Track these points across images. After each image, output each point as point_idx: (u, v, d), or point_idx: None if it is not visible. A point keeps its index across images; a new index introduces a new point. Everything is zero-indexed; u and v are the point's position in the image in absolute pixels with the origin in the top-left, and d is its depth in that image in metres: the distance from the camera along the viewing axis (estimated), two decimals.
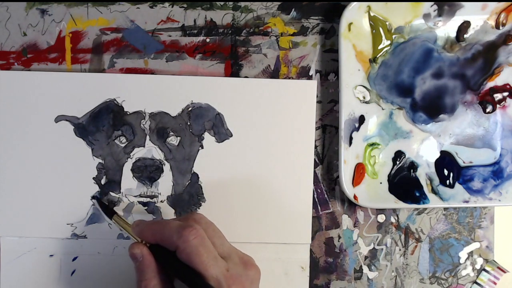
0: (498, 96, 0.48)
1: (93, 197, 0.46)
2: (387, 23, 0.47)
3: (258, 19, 0.48)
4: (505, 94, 0.48)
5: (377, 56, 0.47)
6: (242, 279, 0.36)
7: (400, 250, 0.49)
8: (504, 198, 0.48)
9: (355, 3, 0.45)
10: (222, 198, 0.47)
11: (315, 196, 0.48)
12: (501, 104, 0.48)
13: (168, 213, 0.47)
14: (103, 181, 0.46)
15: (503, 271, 0.49)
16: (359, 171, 0.47)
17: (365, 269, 0.49)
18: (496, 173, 0.48)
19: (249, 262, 0.39)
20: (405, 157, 0.48)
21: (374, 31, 0.47)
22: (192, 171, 0.47)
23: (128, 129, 0.47)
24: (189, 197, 0.47)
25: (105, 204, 0.46)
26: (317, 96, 0.48)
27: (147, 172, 0.46)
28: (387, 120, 0.48)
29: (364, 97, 0.47)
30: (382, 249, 0.49)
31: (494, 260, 0.49)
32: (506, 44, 0.47)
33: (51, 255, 0.47)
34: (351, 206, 0.49)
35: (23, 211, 0.46)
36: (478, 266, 0.49)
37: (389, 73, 0.47)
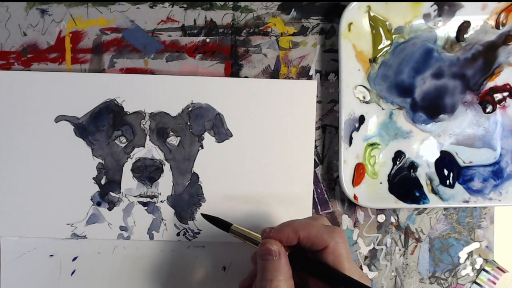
0: (498, 96, 0.48)
1: (203, 215, 0.44)
2: (387, 23, 0.47)
3: (258, 19, 0.48)
4: (505, 94, 0.48)
5: (377, 56, 0.47)
6: None
7: (400, 250, 0.49)
8: (504, 198, 0.48)
9: (355, 3, 0.45)
10: (222, 198, 0.47)
11: (315, 196, 0.48)
12: (501, 104, 0.48)
13: (168, 213, 0.47)
14: (103, 181, 0.47)
15: (503, 271, 0.49)
16: (359, 171, 0.47)
17: (365, 269, 0.49)
18: (496, 173, 0.48)
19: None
20: (405, 157, 0.48)
21: (374, 31, 0.47)
22: (192, 171, 0.47)
23: (128, 129, 0.47)
24: (189, 197, 0.47)
25: (216, 218, 0.43)
26: (317, 96, 0.48)
27: (147, 172, 0.46)
28: (387, 120, 0.48)
29: (364, 97, 0.47)
30: (382, 249, 0.49)
31: (493, 260, 0.49)
32: (506, 44, 0.47)
33: (51, 255, 0.47)
34: (351, 206, 0.49)
35: (23, 211, 0.46)
36: (477, 266, 0.50)
37: (389, 73, 0.47)
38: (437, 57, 0.47)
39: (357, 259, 0.49)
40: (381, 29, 0.47)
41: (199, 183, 0.47)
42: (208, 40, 0.48)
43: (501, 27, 0.47)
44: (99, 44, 0.47)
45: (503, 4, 0.46)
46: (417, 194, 0.47)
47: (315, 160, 0.48)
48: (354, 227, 0.49)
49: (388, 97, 0.48)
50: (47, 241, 0.47)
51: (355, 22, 0.46)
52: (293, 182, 0.47)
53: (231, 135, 0.47)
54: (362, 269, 0.49)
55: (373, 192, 0.47)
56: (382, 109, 0.48)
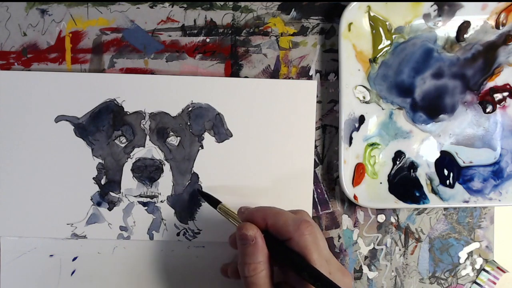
0: (498, 96, 0.48)
1: (197, 190, 0.46)
2: (387, 23, 0.47)
3: (258, 19, 0.48)
4: (505, 94, 0.48)
5: (377, 56, 0.47)
6: (341, 284, 0.37)
7: (400, 250, 0.49)
8: (504, 198, 0.48)
9: (355, 3, 0.45)
10: (222, 198, 0.47)
11: (315, 196, 0.48)
12: (501, 104, 0.48)
13: (168, 213, 0.47)
14: (103, 181, 0.47)
15: (503, 271, 0.49)
16: (359, 171, 0.47)
17: (365, 269, 0.49)
18: (496, 173, 0.48)
19: (345, 269, 0.40)
20: (405, 157, 0.48)
21: (374, 31, 0.47)
22: (192, 171, 0.47)
23: (128, 129, 0.47)
24: (189, 197, 0.47)
25: (208, 194, 0.45)
26: (317, 96, 0.48)
27: (147, 172, 0.46)
28: (387, 120, 0.48)
29: (364, 97, 0.47)
30: (382, 249, 0.49)
31: (493, 260, 0.49)
32: (506, 44, 0.47)
33: (51, 255, 0.47)
34: (351, 206, 0.49)
35: (23, 211, 0.46)
36: (477, 266, 0.49)
37: (389, 73, 0.47)
38: (437, 57, 0.47)
39: (357, 259, 0.49)
40: (381, 29, 0.47)
41: (199, 183, 0.47)
42: (208, 40, 0.48)
43: (501, 27, 0.47)
44: (99, 44, 0.47)
45: (503, 4, 0.46)
46: (417, 194, 0.47)
47: (315, 160, 0.48)
48: (354, 227, 0.49)
49: (388, 97, 0.48)
50: (47, 241, 0.47)
51: (355, 22, 0.46)
52: (293, 182, 0.47)
53: (231, 135, 0.47)
54: (362, 269, 0.49)
55: (373, 192, 0.47)
56: (382, 109, 0.48)
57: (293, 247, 0.36)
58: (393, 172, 0.48)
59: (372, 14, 0.46)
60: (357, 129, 0.47)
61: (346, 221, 0.49)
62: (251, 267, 0.36)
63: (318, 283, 0.35)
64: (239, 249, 0.38)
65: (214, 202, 0.44)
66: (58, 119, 0.46)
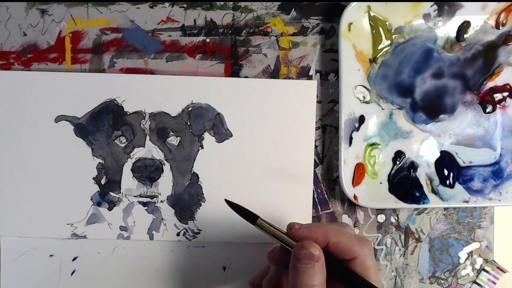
0: (498, 96, 0.48)
1: (226, 201, 0.40)
2: (387, 23, 0.47)
3: (258, 19, 0.48)
4: (505, 94, 0.48)
5: (377, 56, 0.47)
6: None
7: (400, 250, 0.49)
8: (504, 198, 0.48)
9: (355, 3, 0.45)
10: (222, 198, 0.47)
11: (315, 196, 0.48)
12: (501, 104, 0.48)
13: (168, 213, 0.47)
14: (103, 181, 0.47)
15: (503, 271, 0.49)
16: (359, 171, 0.47)
17: None
18: (496, 173, 0.48)
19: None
20: (405, 157, 0.48)
21: (374, 31, 0.47)
22: (192, 171, 0.47)
23: (128, 129, 0.47)
24: (189, 197, 0.47)
25: (244, 208, 0.40)
26: (317, 96, 0.48)
27: (147, 172, 0.46)
28: (387, 120, 0.48)
29: (364, 97, 0.47)
30: (382, 249, 0.49)
31: (493, 260, 0.49)
32: (506, 44, 0.47)
33: (51, 255, 0.47)
34: (351, 206, 0.49)
35: (23, 211, 0.46)
36: (477, 266, 0.50)
37: (389, 73, 0.47)
38: (437, 57, 0.47)
39: None
40: (381, 29, 0.47)
41: (199, 183, 0.47)
42: (208, 40, 0.48)
43: (501, 27, 0.47)
44: (99, 44, 0.47)
45: (503, 4, 0.46)
46: (417, 194, 0.47)
47: (315, 160, 0.48)
48: (354, 227, 0.49)
49: (388, 97, 0.48)
50: (47, 241, 0.47)
51: (355, 22, 0.46)
52: (293, 182, 0.47)
53: (231, 135, 0.47)
54: None
55: (373, 192, 0.47)
56: (382, 109, 0.48)
57: (355, 267, 0.35)
58: (393, 172, 0.48)
59: (372, 14, 0.46)
60: (357, 129, 0.47)
61: (346, 221, 0.49)
62: None
63: None
64: (295, 269, 0.35)
65: (251, 217, 0.39)
66: (58, 119, 0.46)
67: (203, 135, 0.47)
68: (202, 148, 0.47)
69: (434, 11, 0.47)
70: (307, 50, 0.48)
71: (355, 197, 0.46)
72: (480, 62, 0.48)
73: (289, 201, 0.47)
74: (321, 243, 0.35)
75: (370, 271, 0.35)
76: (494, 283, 0.49)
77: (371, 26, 0.47)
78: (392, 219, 0.49)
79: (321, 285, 0.34)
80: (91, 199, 0.46)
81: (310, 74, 0.48)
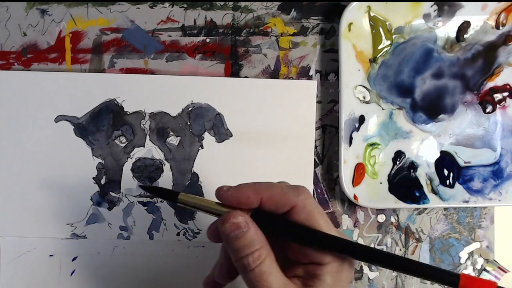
0: (498, 96, 0.48)
1: (140, 186, 0.45)
2: (387, 23, 0.47)
3: (258, 19, 0.48)
4: (505, 94, 0.48)
5: (377, 56, 0.47)
6: None
7: (400, 250, 0.49)
8: (504, 198, 0.48)
9: (355, 3, 0.45)
10: None
11: (315, 196, 0.48)
12: (501, 104, 0.48)
13: (168, 213, 0.47)
14: (103, 181, 0.46)
15: (504, 271, 0.49)
16: (359, 171, 0.47)
17: (366, 269, 0.49)
18: (496, 173, 0.48)
19: (343, 235, 0.35)
20: (405, 157, 0.48)
21: (374, 31, 0.47)
22: (192, 171, 0.47)
23: (128, 129, 0.47)
24: None
25: (161, 188, 0.39)
26: (317, 96, 0.48)
27: (147, 172, 0.46)
28: (387, 120, 0.48)
29: (364, 97, 0.47)
30: (383, 249, 0.49)
31: (494, 260, 0.49)
32: (506, 44, 0.47)
33: (51, 255, 0.47)
34: (351, 206, 0.49)
35: (23, 211, 0.46)
36: (478, 266, 0.49)
37: (389, 73, 0.47)
38: (437, 57, 0.47)
39: None
40: (381, 29, 0.47)
41: (199, 183, 0.47)
42: (208, 40, 0.48)
43: (501, 27, 0.47)
44: (99, 44, 0.47)
45: (503, 4, 0.46)
46: (417, 194, 0.47)
47: (315, 160, 0.48)
48: (354, 227, 0.49)
49: (388, 97, 0.48)
50: (47, 241, 0.47)
51: (355, 22, 0.46)
52: (293, 182, 0.47)
53: (231, 135, 0.47)
54: (362, 269, 0.49)
55: (373, 192, 0.47)
56: (382, 109, 0.48)
57: (297, 215, 0.32)
58: (393, 172, 0.48)
59: (372, 14, 0.46)
60: (357, 129, 0.47)
61: (346, 221, 0.49)
62: (254, 256, 0.31)
63: (333, 248, 0.31)
64: (230, 244, 0.32)
65: (171, 195, 0.35)
66: (58, 119, 0.46)
67: (203, 135, 0.47)
68: (202, 148, 0.47)
69: (434, 11, 0.47)
70: (307, 50, 0.48)
71: (355, 197, 0.46)
72: (480, 62, 0.48)
73: None
74: (254, 201, 0.33)
75: (313, 215, 0.32)
76: None
77: (371, 26, 0.47)
78: (392, 219, 0.49)
79: (264, 247, 0.32)
80: (91, 199, 0.46)
81: (310, 74, 0.48)
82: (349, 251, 0.32)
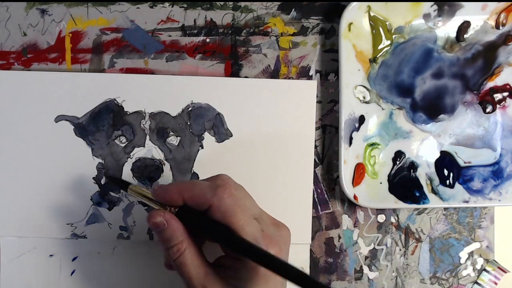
0: (498, 96, 0.48)
1: (105, 175, 0.46)
2: (387, 23, 0.47)
3: (258, 19, 0.48)
4: (505, 94, 0.48)
5: (377, 56, 0.47)
6: (277, 239, 0.36)
7: (400, 250, 0.49)
8: (504, 198, 0.48)
9: (355, 3, 0.45)
10: None
11: (315, 196, 0.48)
12: (501, 104, 0.48)
13: None
14: (103, 181, 0.46)
15: (504, 271, 0.49)
16: (359, 171, 0.47)
17: (366, 269, 0.49)
18: (496, 173, 0.48)
19: (280, 223, 0.38)
20: (405, 157, 0.48)
21: (374, 31, 0.47)
22: (192, 171, 0.47)
23: (128, 129, 0.47)
24: None
25: (116, 177, 0.44)
26: (317, 96, 0.48)
27: (147, 172, 0.46)
28: (387, 120, 0.48)
29: (364, 97, 0.47)
30: (382, 249, 0.49)
31: (494, 260, 0.49)
32: (506, 44, 0.47)
33: (51, 255, 0.47)
34: (351, 206, 0.49)
35: (23, 211, 0.46)
36: (478, 266, 0.49)
37: (389, 73, 0.47)
38: (437, 57, 0.47)
39: (358, 259, 0.49)
40: (381, 29, 0.47)
41: None
42: (208, 40, 0.48)
43: (501, 27, 0.47)
44: (99, 44, 0.47)
45: (503, 4, 0.46)
46: (417, 194, 0.47)
47: (315, 160, 0.48)
48: (354, 227, 0.49)
49: (388, 97, 0.48)
50: (47, 241, 0.47)
51: (355, 22, 0.46)
52: (293, 182, 0.47)
53: (231, 135, 0.47)
54: (362, 269, 0.49)
55: (373, 192, 0.47)
56: (382, 109, 0.48)
57: (215, 214, 0.35)
58: (393, 172, 0.48)
59: (372, 14, 0.46)
60: (357, 129, 0.47)
61: (346, 221, 0.49)
62: (174, 249, 0.35)
63: (243, 251, 0.33)
64: (157, 237, 0.37)
65: (124, 184, 0.40)
66: (58, 119, 0.46)
67: (203, 135, 0.47)
68: (202, 148, 0.47)
69: (434, 11, 0.47)
70: (307, 50, 0.48)
71: (355, 197, 0.46)
72: (480, 62, 0.48)
73: (289, 201, 0.47)
74: (177, 200, 0.36)
75: (228, 214, 0.34)
76: (495, 283, 0.49)
77: (371, 26, 0.47)
78: (392, 219, 0.49)
79: (183, 241, 0.35)
80: (91, 199, 0.46)
81: (310, 74, 0.48)
82: (246, 253, 0.33)
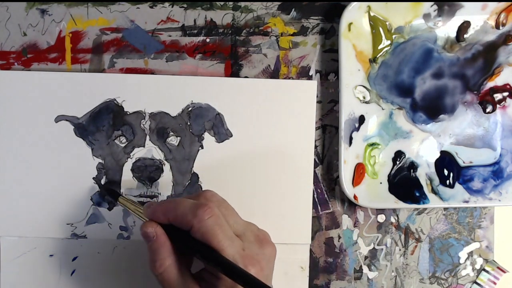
0: (498, 96, 0.48)
1: (95, 182, 0.46)
2: (387, 23, 0.47)
3: (258, 19, 0.48)
4: (505, 94, 0.48)
5: (377, 56, 0.47)
6: (258, 257, 0.36)
7: (400, 250, 0.49)
8: (504, 198, 0.48)
9: (355, 3, 0.45)
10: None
11: (315, 196, 0.48)
12: (501, 104, 0.48)
13: None
14: (103, 181, 0.46)
15: (503, 271, 0.49)
16: (359, 171, 0.47)
17: (365, 269, 0.49)
18: (496, 173, 0.48)
19: (265, 239, 0.39)
20: (405, 157, 0.48)
21: (374, 31, 0.47)
22: (192, 171, 0.47)
23: (128, 129, 0.47)
24: None
25: (110, 188, 0.45)
26: (317, 96, 0.48)
27: (147, 172, 0.46)
28: (387, 120, 0.48)
29: (364, 97, 0.47)
30: (382, 249, 0.49)
31: (494, 260, 0.49)
32: (506, 44, 0.47)
33: (51, 255, 0.47)
34: (351, 206, 0.49)
35: (23, 211, 0.46)
36: (478, 266, 0.49)
37: (389, 73, 0.47)
38: (437, 57, 0.47)
39: (357, 259, 0.49)
40: (381, 29, 0.47)
41: (199, 183, 0.47)
42: (208, 40, 0.48)
43: (501, 27, 0.47)
44: (99, 44, 0.47)
45: (503, 4, 0.46)
46: (417, 194, 0.47)
47: (315, 160, 0.48)
48: (354, 227, 0.49)
49: (388, 97, 0.48)
50: (47, 241, 0.47)
51: (355, 22, 0.46)
52: (293, 182, 0.47)
53: (231, 135, 0.47)
54: (362, 269, 0.49)
55: (373, 192, 0.47)
56: (382, 109, 0.48)
57: (195, 235, 0.35)
58: (393, 172, 0.48)
59: (372, 14, 0.46)
60: (357, 129, 0.47)
61: (346, 221, 0.49)
62: (157, 263, 0.36)
63: (222, 270, 0.34)
64: (147, 247, 0.38)
65: (115, 195, 0.43)
66: (58, 119, 0.46)
67: (203, 135, 0.47)
68: (202, 148, 0.47)
69: (434, 11, 0.47)
70: (307, 50, 0.48)
71: (355, 197, 0.46)
72: (480, 62, 0.48)
73: (289, 201, 0.47)
74: (163, 220, 0.37)
75: (208, 236, 0.35)
76: (495, 283, 0.49)
77: (371, 26, 0.47)
78: (392, 219, 0.49)
79: (168, 258, 0.36)
80: (91, 199, 0.46)
81: (310, 74, 0.48)
82: (224, 271, 0.34)
